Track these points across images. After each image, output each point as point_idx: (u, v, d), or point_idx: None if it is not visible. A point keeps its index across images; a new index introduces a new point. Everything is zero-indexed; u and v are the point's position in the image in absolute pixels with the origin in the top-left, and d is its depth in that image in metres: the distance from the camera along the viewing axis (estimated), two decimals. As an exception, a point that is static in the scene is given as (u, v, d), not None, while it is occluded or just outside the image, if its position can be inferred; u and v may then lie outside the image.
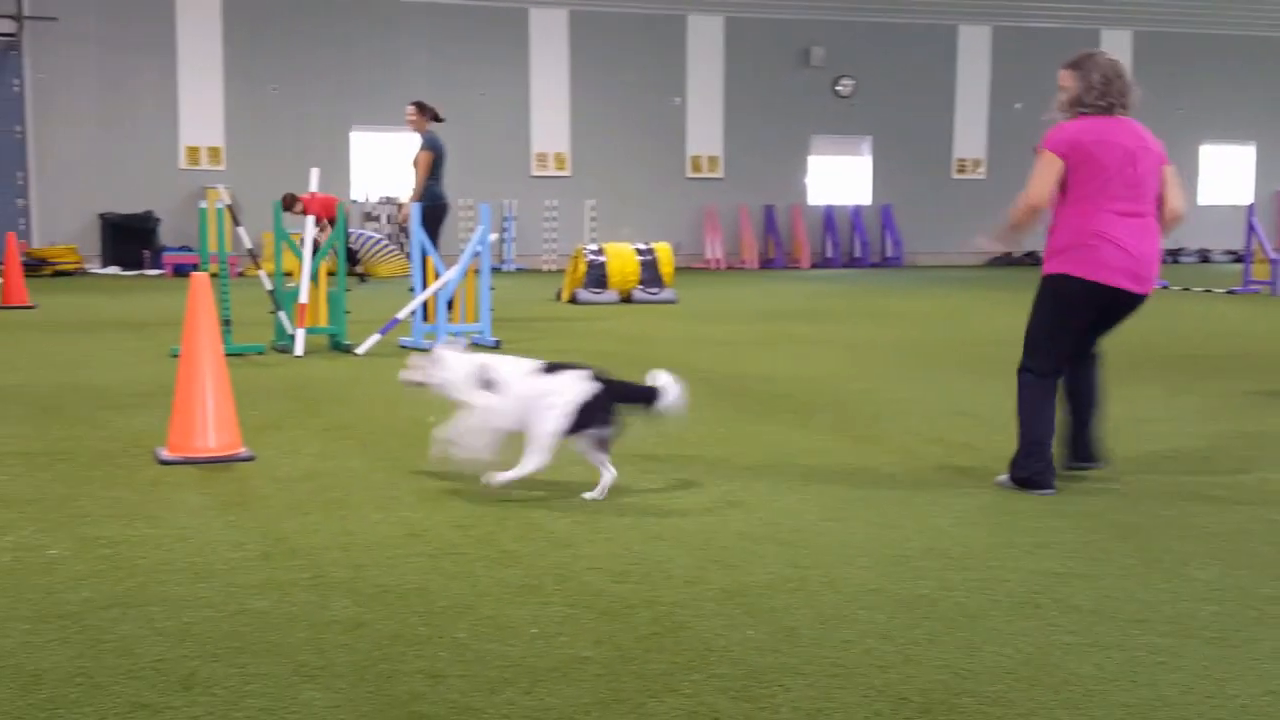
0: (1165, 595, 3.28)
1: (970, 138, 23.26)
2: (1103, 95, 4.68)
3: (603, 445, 4.29)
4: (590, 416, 4.22)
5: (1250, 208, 16.23)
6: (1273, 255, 15.01)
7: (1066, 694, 2.61)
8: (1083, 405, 4.77)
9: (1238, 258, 19.67)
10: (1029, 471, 4.50)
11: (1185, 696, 2.60)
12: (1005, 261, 23.37)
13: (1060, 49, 22.83)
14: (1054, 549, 3.71)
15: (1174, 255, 22.69)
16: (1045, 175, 4.61)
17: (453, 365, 4.43)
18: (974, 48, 22.96)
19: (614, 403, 4.28)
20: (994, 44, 22.99)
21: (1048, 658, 2.81)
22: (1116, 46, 23.27)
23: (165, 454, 4.84)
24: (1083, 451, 4.79)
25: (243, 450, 4.93)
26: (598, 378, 4.32)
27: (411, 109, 10.97)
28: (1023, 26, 22.86)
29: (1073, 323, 4.59)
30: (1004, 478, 4.61)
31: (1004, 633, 2.98)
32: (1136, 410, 6.07)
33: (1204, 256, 24.05)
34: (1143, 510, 4.21)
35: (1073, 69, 4.81)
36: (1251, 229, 15.21)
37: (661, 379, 4.41)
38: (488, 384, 4.35)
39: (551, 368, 4.38)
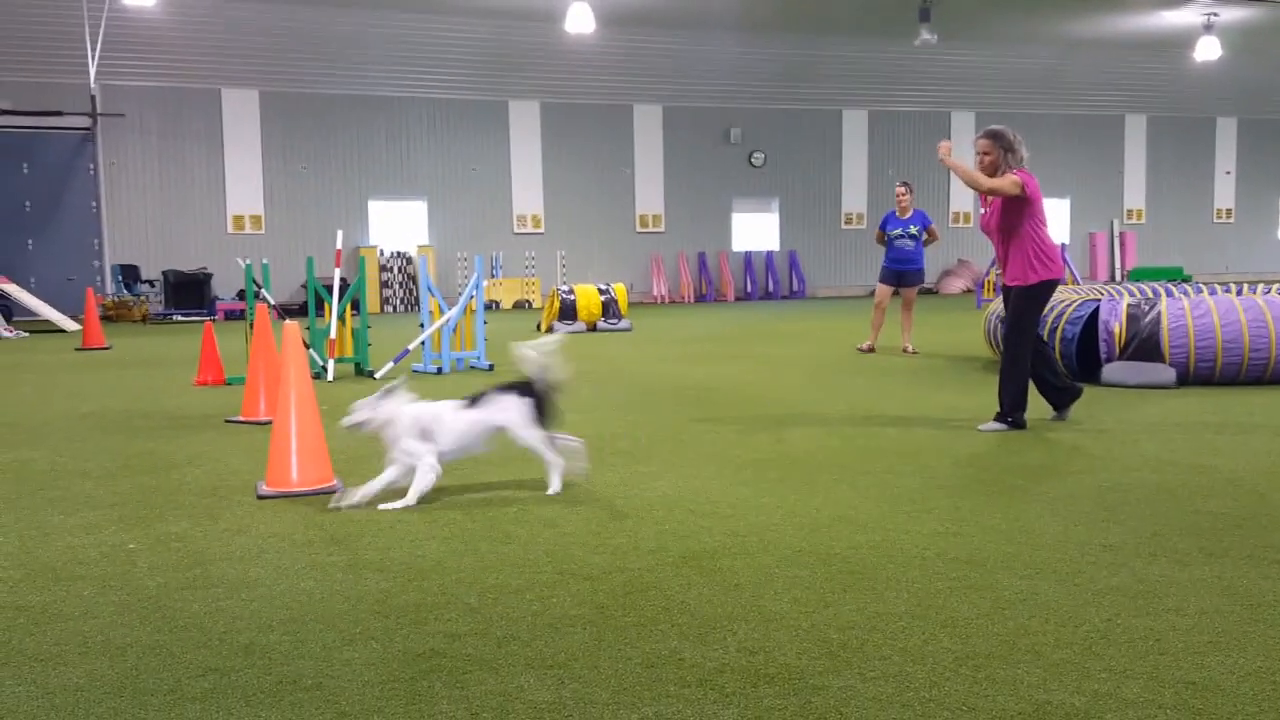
0: (1023, 547, 3.31)
1: (854, 197, 23.55)
2: (1019, 154, 4.96)
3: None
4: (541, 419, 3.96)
5: (1063, 246, 16.68)
6: (1080, 283, 15.42)
7: (952, 628, 2.62)
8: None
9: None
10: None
11: (1044, 625, 2.62)
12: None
13: (921, 127, 22.98)
14: (934, 513, 3.74)
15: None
16: (1003, 187, 4.87)
17: (393, 412, 3.81)
18: (855, 127, 23.30)
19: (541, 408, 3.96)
20: (870, 124, 23.34)
21: (934, 600, 2.82)
22: (963, 125, 23.72)
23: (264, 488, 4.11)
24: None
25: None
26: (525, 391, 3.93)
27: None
28: (891, 110, 23.25)
29: (1043, 308, 5.17)
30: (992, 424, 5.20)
31: (900, 580, 2.98)
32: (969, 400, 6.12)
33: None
34: (1004, 482, 4.25)
35: (989, 139, 5.01)
36: (1065, 263, 15.66)
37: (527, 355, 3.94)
38: (425, 434, 3.81)
39: (473, 400, 3.97)
